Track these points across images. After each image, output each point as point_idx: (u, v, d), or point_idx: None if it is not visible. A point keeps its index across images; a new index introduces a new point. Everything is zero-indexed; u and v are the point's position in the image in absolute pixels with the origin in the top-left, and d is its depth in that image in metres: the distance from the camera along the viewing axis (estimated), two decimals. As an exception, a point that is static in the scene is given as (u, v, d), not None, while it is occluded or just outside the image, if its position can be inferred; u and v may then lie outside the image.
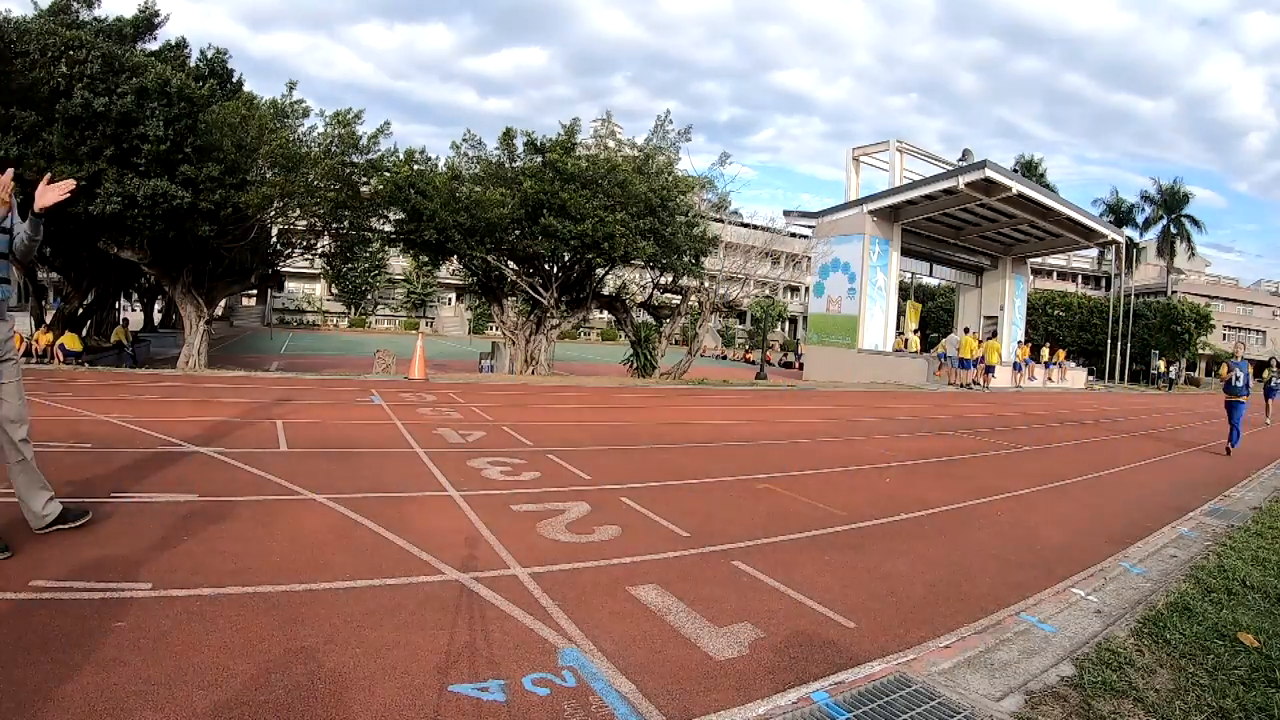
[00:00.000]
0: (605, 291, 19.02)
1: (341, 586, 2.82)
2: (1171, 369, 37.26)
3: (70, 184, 2.87)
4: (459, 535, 3.61)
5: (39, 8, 13.43)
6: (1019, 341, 26.86)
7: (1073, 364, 29.21)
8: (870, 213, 22.57)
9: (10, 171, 2.83)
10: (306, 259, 18.40)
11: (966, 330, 23.95)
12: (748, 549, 3.68)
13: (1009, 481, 6.36)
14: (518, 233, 15.37)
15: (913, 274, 28.08)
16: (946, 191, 20.95)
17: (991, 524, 4.74)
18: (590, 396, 11.76)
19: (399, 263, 47.64)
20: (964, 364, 20.61)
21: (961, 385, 20.27)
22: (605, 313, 19.87)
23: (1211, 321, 40.26)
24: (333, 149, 14.04)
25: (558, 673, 2.26)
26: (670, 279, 18.72)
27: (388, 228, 16.19)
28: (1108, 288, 43.80)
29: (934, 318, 38.96)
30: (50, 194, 2.88)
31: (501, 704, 2.06)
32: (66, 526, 3.19)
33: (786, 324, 59.53)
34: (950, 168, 23.05)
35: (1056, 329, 39.91)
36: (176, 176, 11.56)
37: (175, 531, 3.34)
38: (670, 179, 16.35)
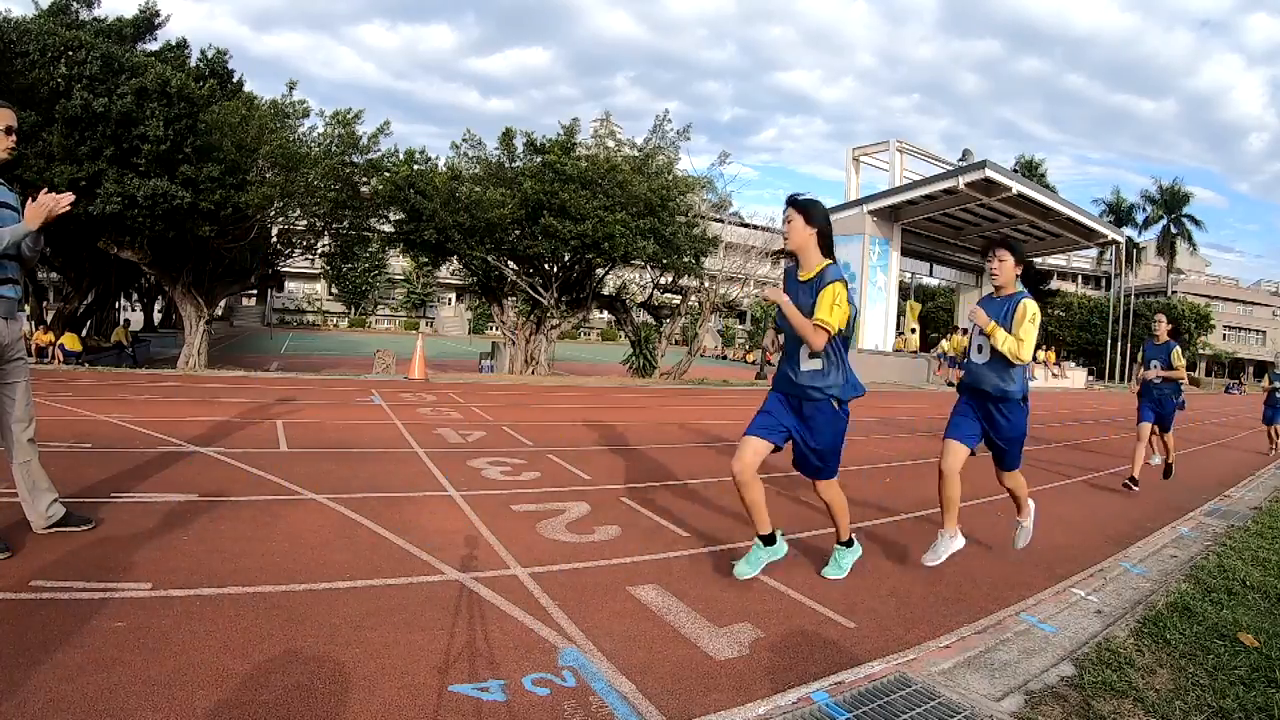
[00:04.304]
0: (605, 291, 19.02)
1: (341, 586, 2.82)
2: (1171, 369, 37.18)
3: (70, 197, 2.91)
4: (459, 535, 3.61)
5: (39, 8, 13.44)
6: None
7: (1072, 363, 29.28)
8: (870, 213, 22.57)
9: (70, 196, 2.94)
10: (306, 259, 18.40)
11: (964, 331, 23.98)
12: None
13: (1009, 481, 6.34)
14: (518, 233, 15.38)
15: (913, 274, 28.08)
16: (946, 191, 20.97)
17: (992, 524, 4.74)
18: (590, 396, 11.76)
19: (399, 263, 47.63)
20: (954, 363, 20.73)
21: (949, 383, 20.40)
22: (605, 313, 19.89)
23: (1211, 321, 40.27)
24: (333, 149, 14.05)
25: (558, 673, 2.26)
26: (670, 279, 18.72)
27: (388, 228, 16.19)
28: (1108, 288, 43.78)
29: (934, 318, 38.95)
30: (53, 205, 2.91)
31: (501, 704, 2.05)
32: (69, 530, 3.19)
33: (786, 324, 59.35)
34: (950, 168, 23.06)
35: (1056, 329, 39.92)
36: (176, 176, 11.56)
37: (175, 531, 3.34)
38: (670, 179, 16.35)
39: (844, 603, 3.05)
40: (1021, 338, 3.38)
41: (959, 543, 3.60)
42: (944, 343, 22.48)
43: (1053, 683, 2.43)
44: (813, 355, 3.07)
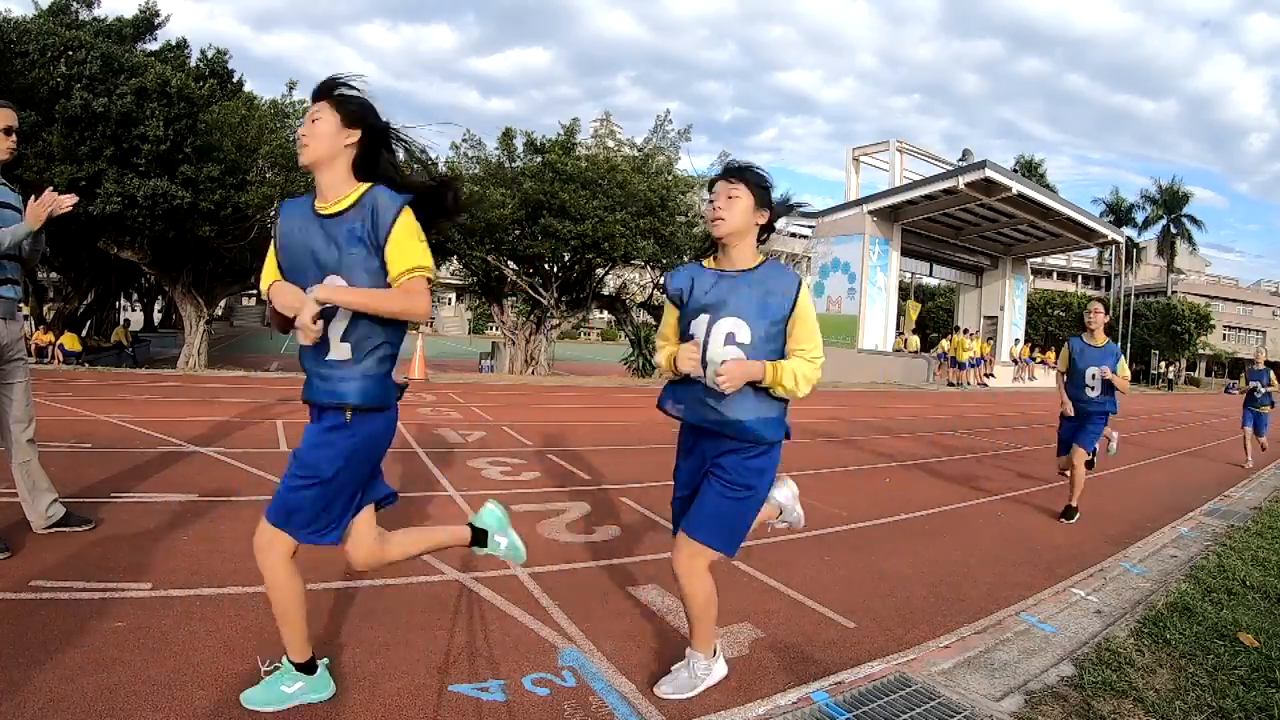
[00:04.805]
0: (605, 291, 19.01)
1: (341, 586, 2.82)
2: (1170, 369, 37.26)
3: (72, 198, 2.92)
4: (459, 535, 3.60)
5: (39, 8, 13.44)
6: (1015, 340, 26.99)
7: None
8: (870, 213, 22.56)
9: (72, 197, 2.94)
10: (306, 259, 18.32)
11: (967, 331, 23.98)
12: (748, 549, 3.67)
13: (1009, 481, 6.36)
14: (518, 233, 15.38)
15: (913, 274, 28.07)
16: (946, 191, 20.96)
17: (991, 524, 4.74)
18: (590, 396, 11.75)
19: (399, 263, 47.53)
20: (954, 363, 20.78)
21: (950, 384, 20.48)
22: (605, 313, 19.88)
23: (1211, 321, 40.24)
24: (333, 149, 14.02)
25: (557, 673, 2.26)
26: (670, 278, 18.73)
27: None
28: (1108, 288, 43.77)
29: (934, 318, 38.93)
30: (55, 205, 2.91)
31: (501, 704, 2.06)
32: (69, 530, 3.19)
33: (786, 324, 59.38)
34: (950, 168, 23.06)
35: (1056, 329, 39.89)
36: (176, 176, 11.55)
37: (176, 531, 3.34)
38: (670, 179, 16.36)
39: (844, 603, 3.05)
40: (809, 351, 2.03)
41: (718, 672, 2.22)
42: (944, 342, 22.47)
43: (1053, 683, 2.43)
44: (347, 335, 1.80)
